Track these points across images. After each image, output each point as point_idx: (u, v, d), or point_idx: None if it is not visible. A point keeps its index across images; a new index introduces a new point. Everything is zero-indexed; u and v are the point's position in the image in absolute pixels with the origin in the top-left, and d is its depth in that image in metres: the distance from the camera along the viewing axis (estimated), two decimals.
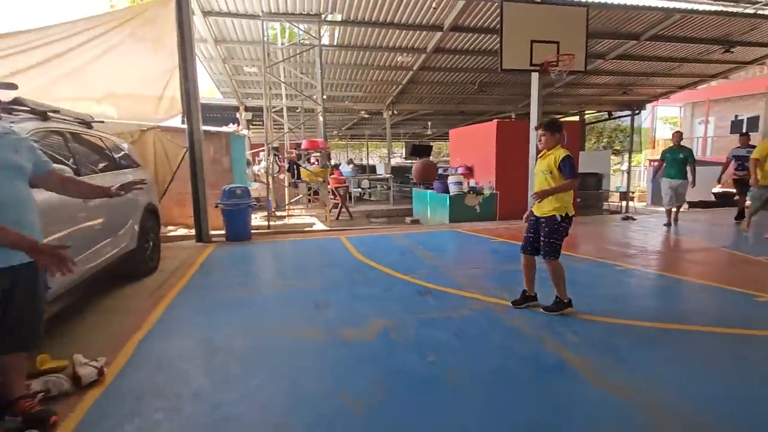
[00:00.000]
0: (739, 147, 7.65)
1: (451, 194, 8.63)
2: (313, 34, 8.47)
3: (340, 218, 10.95)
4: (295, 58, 9.62)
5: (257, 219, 8.66)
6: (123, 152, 4.55)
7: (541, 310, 3.29)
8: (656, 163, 8.19)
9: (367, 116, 16.44)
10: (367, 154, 27.04)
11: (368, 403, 2.13)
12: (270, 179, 9.23)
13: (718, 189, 11.92)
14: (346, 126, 19.28)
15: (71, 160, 3.27)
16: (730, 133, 17.50)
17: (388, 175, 13.94)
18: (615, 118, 18.81)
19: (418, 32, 8.98)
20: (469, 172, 9.82)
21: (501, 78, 11.90)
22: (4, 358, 1.93)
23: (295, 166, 9.47)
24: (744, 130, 10.08)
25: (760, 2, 8.81)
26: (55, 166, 2.27)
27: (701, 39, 9.84)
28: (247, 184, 8.62)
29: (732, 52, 10.36)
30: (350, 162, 15.51)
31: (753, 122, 17.11)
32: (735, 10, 8.84)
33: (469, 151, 10.16)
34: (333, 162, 16.79)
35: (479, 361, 2.55)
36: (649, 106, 17.27)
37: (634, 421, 1.97)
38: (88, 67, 5.25)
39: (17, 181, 1.83)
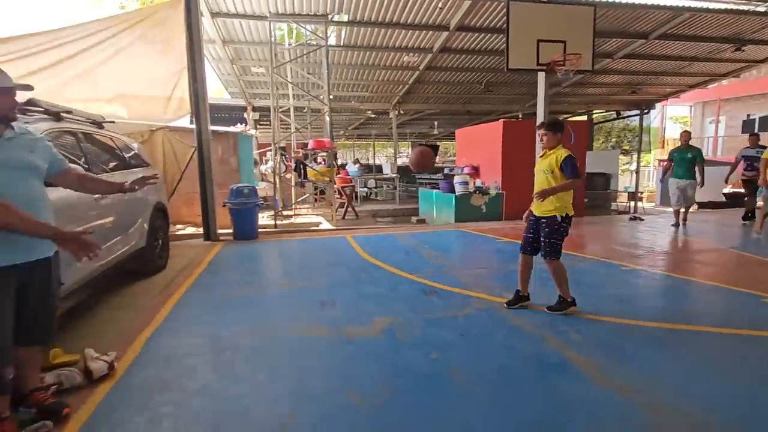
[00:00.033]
0: (748, 147, 7.55)
1: (456, 194, 8.63)
2: (320, 35, 8.51)
3: (346, 217, 10.99)
4: (302, 58, 9.68)
5: (264, 218, 8.71)
6: (133, 152, 4.62)
7: (545, 309, 3.29)
8: (665, 163, 8.11)
9: (373, 116, 16.47)
10: (374, 154, 27.06)
11: (373, 400, 2.15)
12: (277, 179, 9.30)
13: (728, 189, 11.77)
14: (352, 126, 19.34)
15: (83, 159, 3.34)
16: (742, 132, 17.27)
17: (394, 175, 13.96)
18: (623, 117, 18.66)
19: (424, 32, 8.98)
20: (476, 171, 9.80)
21: (508, 77, 11.87)
22: (19, 351, 1.98)
23: (301, 166, 9.54)
24: (756, 130, 9.98)
25: None
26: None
27: (711, 37, 9.72)
28: (254, 183, 8.69)
29: (743, 51, 10.21)
30: (356, 162, 15.54)
31: (765, 122, 16.87)
32: (746, 8, 8.71)
33: (475, 150, 10.15)
34: (339, 162, 16.84)
35: (484, 360, 2.57)
36: (658, 105, 17.11)
37: (639, 421, 1.97)
38: (99, 68, 5.35)
39: (32, 180, 1.87)
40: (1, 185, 1.73)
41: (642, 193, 14.66)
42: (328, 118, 9.13)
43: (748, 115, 17.91)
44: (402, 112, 14.59)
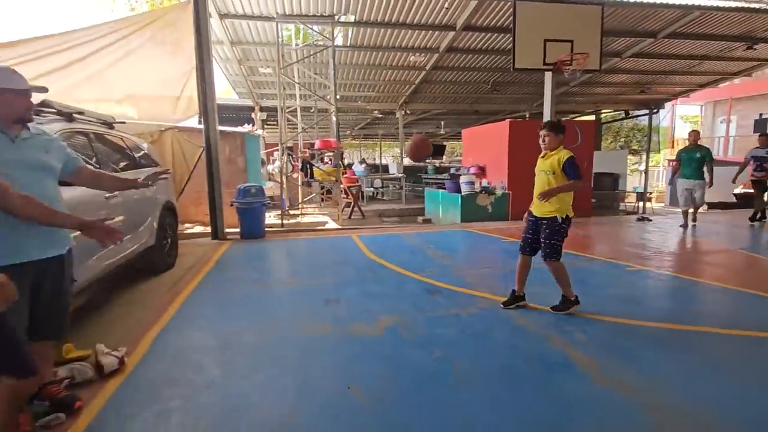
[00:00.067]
0: (758, 147, 7.45)
1: (462, 194, 8.63)
2: (327, 35, 8.57)
3: (352, 217, 11.03)
4: (309, 59, 9.74)
5: (271, 217, 8.80)
6: (143, 152, 4.70)
7: (550, 309, 3.30)
8: (674, 164, 8.02)
9: (380, 116, 16.50)
10: (380, 154, 27.11)
11: (376, 397, 2.18)
12: (284, 178, 9.37)
13: (739, 190, 11.62)
14: (359, 126, 19.38)
15: (94, 159, 3.41)
16: (753, 132, 16.98)
17: (400, 175, 13.97)
18: (632, 117, 18.47)
19: (430, 32, 8.99)
20: (482, 171, 9.79)
21: (514, 77, 11.82)
22: (33, 346, 2.04)
23: (308, 166, 9.60)
24: (767, 130, 9.80)
25: None
26: None
27: (722, 36, 9.60)
28: (261, 183, 8.77)
29: (755, 49, 10.08)
30: (363, 161, 15.55)
31: None
32: (757, 6, 8.59)
33: (481, 150, 10.13)
34: (346, 161, 16.91)
35: (486, 359, 2.59)
36: (668, 104, 16.91)
37: (640, 421, 1.98)
38: (109, 69, 5.44)
39: (47, 180, 1.92)
40: (17, 185, 1.78)
41: (651, 193, 14.52)
42: (334, 118, 9.19)
43: (761, 115, 17.63)
44: (408, 111, 14.60)
